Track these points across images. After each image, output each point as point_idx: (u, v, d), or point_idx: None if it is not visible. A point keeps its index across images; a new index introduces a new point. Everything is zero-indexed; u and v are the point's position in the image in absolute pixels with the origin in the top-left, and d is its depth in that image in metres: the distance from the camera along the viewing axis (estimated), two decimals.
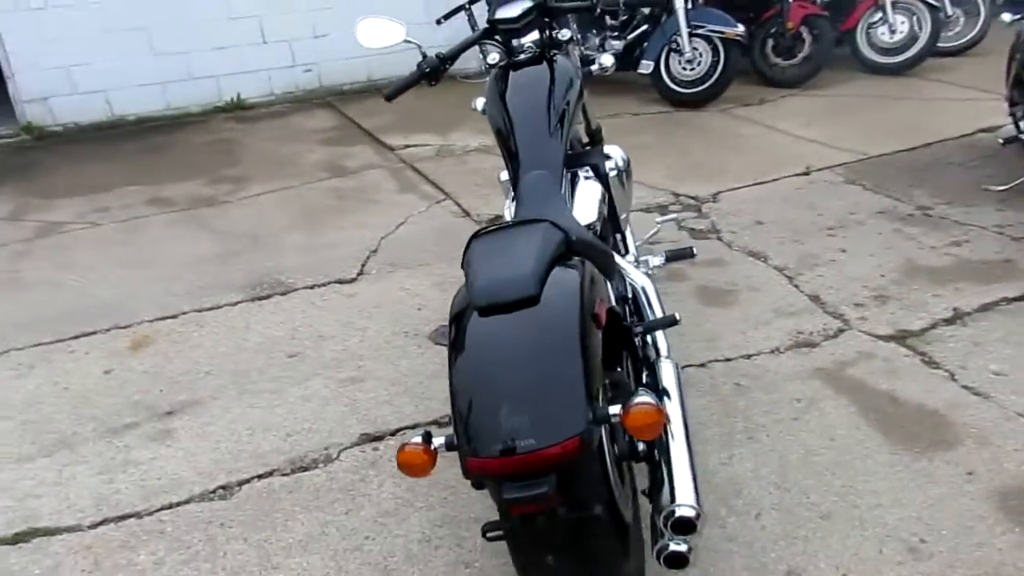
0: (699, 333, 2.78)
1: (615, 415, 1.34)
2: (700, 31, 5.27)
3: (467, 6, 2.45)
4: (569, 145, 2.50)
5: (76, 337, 3.04)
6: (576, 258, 1.60)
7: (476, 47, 2.49)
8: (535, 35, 2.42)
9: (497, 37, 2.39)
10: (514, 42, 2.42)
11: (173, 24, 5.89)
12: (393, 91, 2.32)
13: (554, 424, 1.30)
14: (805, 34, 5.69)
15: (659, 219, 2.98)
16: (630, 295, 2.12)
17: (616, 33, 5.70)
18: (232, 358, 2.83)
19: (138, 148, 5.44)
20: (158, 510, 2.13)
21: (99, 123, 5.93)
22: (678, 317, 1.93)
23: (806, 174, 4.19)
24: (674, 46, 5.35)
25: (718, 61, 5.33)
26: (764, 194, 3.98)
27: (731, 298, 3.01)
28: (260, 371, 2.73)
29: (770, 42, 5.80)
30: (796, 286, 3.06)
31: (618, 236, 2.42)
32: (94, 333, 3.06)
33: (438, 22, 2.50)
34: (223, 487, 2.20)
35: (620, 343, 1.91)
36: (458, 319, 1.47)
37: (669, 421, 1.44)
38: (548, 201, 2.05)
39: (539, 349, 1.38)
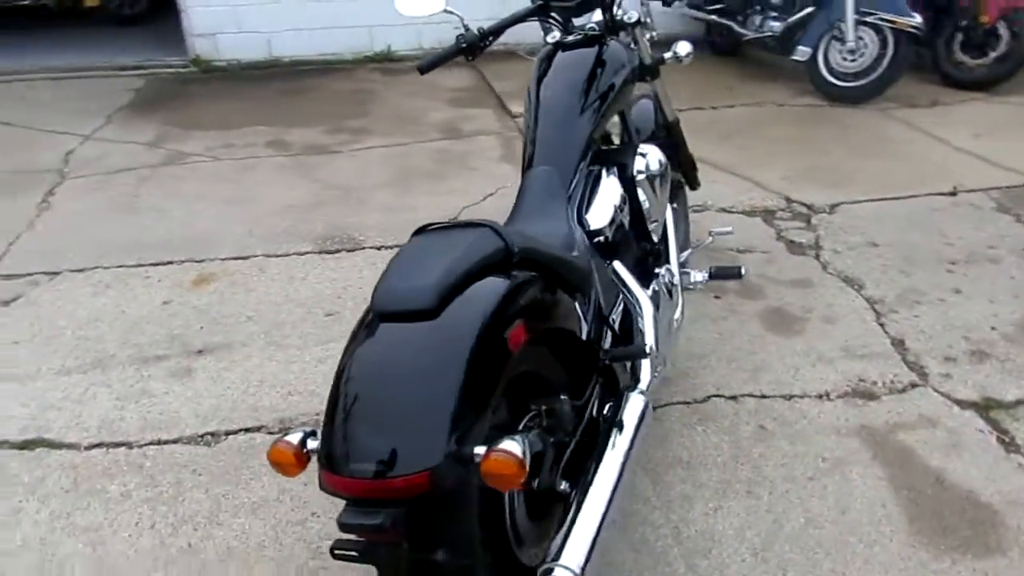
0: (746, 361, 2.50)
1: (478, 455, 1.20)
2: (869, 18, 4.70)
3: None
4: (606, 139, 2.30)
5: (155, 264, 3.23)
6: (517, 272, 1.44)
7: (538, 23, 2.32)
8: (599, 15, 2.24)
9: (554, 15, 2.22)
10: (576, 21, 2.24)
11: None
12: (427, 63, 2.21)
13: (407, 453, 1.18)
14: (1002, 30, 4.93)
15: (715, 230, 2.69)
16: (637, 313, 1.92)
17: (776, 14, 5.23)
18: (276, 308, 2.89)
19: (282, 90, 5.69)
20: (146, 444, 2.22)
21: (258, 62, 6.25)
22: (648, 348, 1.72)
23: (952, 194, 3.65)
24: (836, 33, 4.82)
25: (885, 53, 4.74)
26: (891, 211, 3.51)
27: (799, 327, 2.68)
28: (294, 325, 2.77)
29: (958, 36, 5.08)
30: (882, 324, 2.67)
31: (646, 245, 2.19)
32: (171, 263, 3.24)
33: None
34: (211, 434, 2.25)
35: (590, 368, 1.73)
36: (364, 317, 1.37)
37: (526, 472, 1.25)
38: (547, 201, 1.89)
39: (420, 368, 1.26)
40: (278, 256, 3.29)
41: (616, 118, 2.37)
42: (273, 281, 3.10)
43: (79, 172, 4.21)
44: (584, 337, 1.70)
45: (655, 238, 2.20)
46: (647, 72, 2.42)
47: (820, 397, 2.32)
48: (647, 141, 2.63)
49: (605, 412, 1.73)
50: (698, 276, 2.40)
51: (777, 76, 5.51)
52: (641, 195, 2.08)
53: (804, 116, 4.84)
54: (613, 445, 1.63)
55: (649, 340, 1.87)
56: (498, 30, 2.21)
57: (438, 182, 4.02)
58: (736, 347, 2.58)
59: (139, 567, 1.83)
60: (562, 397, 1.64)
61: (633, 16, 2.22)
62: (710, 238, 2.67)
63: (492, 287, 1.38)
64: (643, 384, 1.81)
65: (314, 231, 3.49)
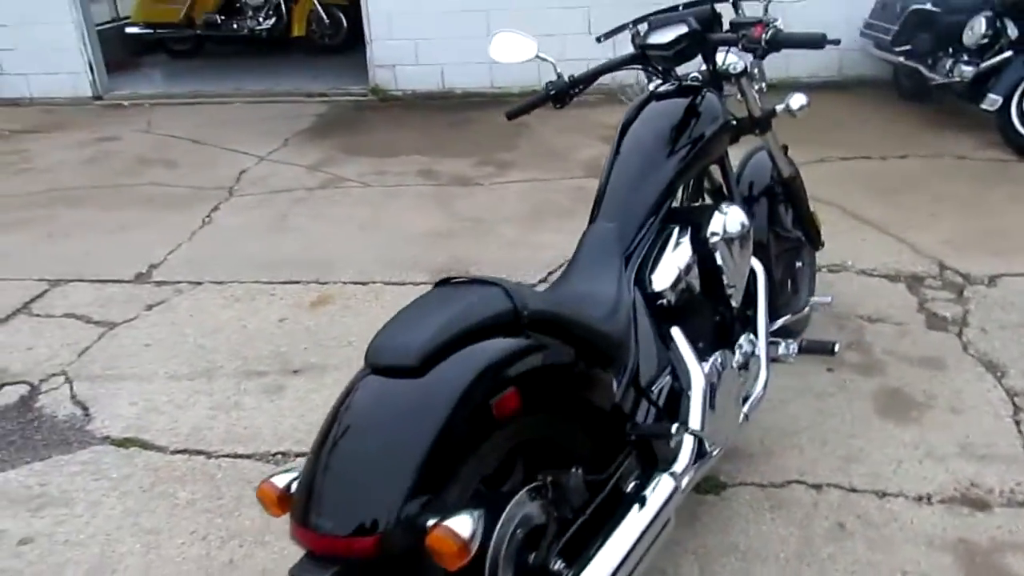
0: (841, 445, 2.25)
1: (430, 526, 1.16)
2: None
3: (632, 25, 2.19)
4: (710, 191, 2.18)
5: (284, 283, 3.45)
6: (525, 337, 1.39)
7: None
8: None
9: (652, 64, 2.15)
10: (677, 71, 2.15)
11: (508, 9, 6.23)
12: (514, 110, 2.22)
13: (361, 515, 1.17)
14: None
15: (813, 299, 2.45)
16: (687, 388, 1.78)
17: (969, 57, 4.73)
18: None
19: (447, 121, 5.91)
20: (223, 456, 2.36)
21: (432, 93, 6.55)
22: (675, 428, 1.59)
23: None
24: None
25: None
26: None
27: (916, 413, 2.38)
28: None
29: None
30: (1017, 422, 2.31)
31: (724, 311, 2.04)
32: (298, 283, 3.45)
33: (599, 40, 2.29)
34: (282, 453, 2.36)
35: (617, 442, 1.63)
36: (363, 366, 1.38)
37: (470, 554, 1.17)
38: (600, 260, 1.81)
39: (393, 427, 1.24)
40: (394, 284, 3.40)
41: (716, 172, 2.25)
42: (383, 308, 3.20)
43: (245, 191, 4.61)
44: (610, 407, 1.61)
45: (735, 303, 2.04)
46: (757, 125, 2.28)
47: (919, 499, 2.04)
48: (760, 197, 2.47)
49: (629, 490, 1.62)
50: (787, 348, 2.20)
51: (963, 126, 4.97)
52: (718, 258, 1.93)
53: (984, 172, 4.32)
54: (624, 527, 1.52)
55: (693, 417, 1.73)
56: (590, 78, 2.17)
57: (568, 220, 3.98)
58: (834, 428, 2.33)
59: (182, 575, 1.95)
60: (574, 469, 1.55)
61: (738, 66, 2.10)
62: (807, 308, 2.44)
63: (486, 350, 1.33)
64: (679, 465, 1.67)
65: (435, 262, 3.58)
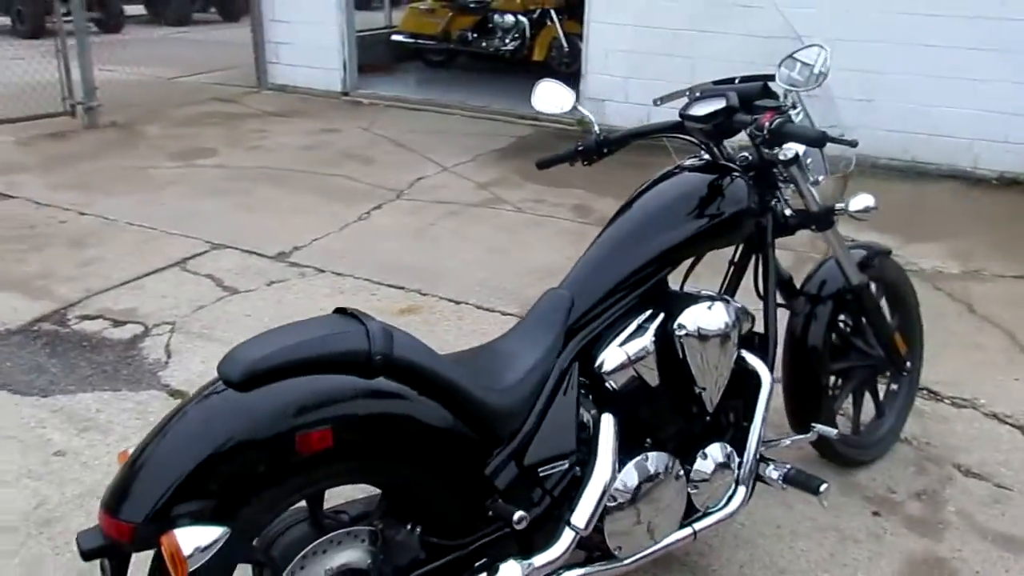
0: None
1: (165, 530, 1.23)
2: None
3: (688, 92, 2.04)
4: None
5: (390, 286, 3.66)
6: (379, 378, 1.40)
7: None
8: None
9: (693, 137, 2.04)
10: (726, 144, 2.02)
11: (709, 58, 6.04)
12: (545, 160, 2.19)
13: (130, 502, 1.27)
14: None
15: (819, 427, 2.11)
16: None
17: None
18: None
19: (628, 161, 5.80)
20: None
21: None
22: (517, 516, 1.49)
23: None
24: None
25: None
26: None
27: None
28: None
29: None
30: None
31: (691, 410, 1.85)
32: (401, 288, 3.63)
33: (656, 103, 2.16)
34: None
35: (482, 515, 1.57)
36: None
37: (185, 567, 1.20)
38: (538, 326, 1.76)
39: (192, 433, 1.33)
40: (483, 309, 3.46)
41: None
42: (460, 331, 3.28)
43: (412, 196, 4.93)
44: (474, 477, 1.55)
45: (708, 406, 1.84)
46: (813, 221, 2.05)
47: None
48: (824, 302, 2.22)
49: (475, 565, 1.55)
50: (774, 472, 1.94)
51: None
52: (684, 353, 1.77)
53: None
54: None
55: (580, 513, 1.60)
56: (622, 141, 2.11)
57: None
58: None
59: None
60: (408, 527, 1.52)
61: (789, 153, 1.89)
62: (813, 432, 2.12)
63: (315, 383, 1.37)
64: (543, 557, 1.56)
65: (530, 296, 3.58)
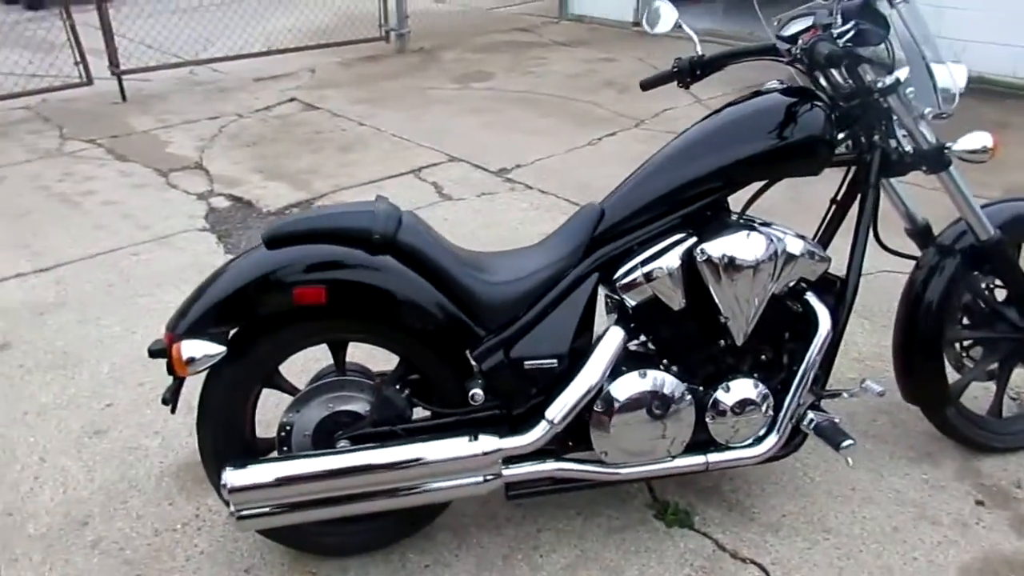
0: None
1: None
2: None
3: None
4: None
5: (574, 204, 3.78)
6: (386, 256, 1.65)
7: None
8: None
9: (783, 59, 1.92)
10: (817, 74, 1.86)
11: None
12: (648, 81, 2.18)
13: (177, 320, 1.66)
14: None
15: (867, 383, 1.83)
16: None
17: None
18: None
19: None
20: None
21: None
22: (475, 394, 1.63)
23: None
24: None
25: None
26: None
27: None
28: None
29: None
30: None
31: (714, 337, 1.80)
32: (577, 205, 3.75)
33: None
34: None
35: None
36: None
37: (185, 370, 1.58)
38: (565, 234, 1.86)
39: (232, 274, 1.68)
40: None
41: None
42: None
43: (651, 126, 4.93)
44: (461, 357, 1.73)
45: (737, 339, 1.78)
46: (923, 161, 1.82)
47: None
48: (955, 254, 1.97)
49: (456, 432, 1.74)
50: (808, 420, 1.81)
51: None
52: (707, 280, 1.73)
53: None
54: (406, 448, 1.70)
55: (554, 408, 1.70)
56: (717, 63, 2.05)
57: None
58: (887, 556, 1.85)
59: None
60: (397, 387, 1.76)
61: (888, 81, 1.71)
62: (846, 395, 1.89)
63: (322, 250, 1.66)
64: (516, 440, 1.70)
65: None
